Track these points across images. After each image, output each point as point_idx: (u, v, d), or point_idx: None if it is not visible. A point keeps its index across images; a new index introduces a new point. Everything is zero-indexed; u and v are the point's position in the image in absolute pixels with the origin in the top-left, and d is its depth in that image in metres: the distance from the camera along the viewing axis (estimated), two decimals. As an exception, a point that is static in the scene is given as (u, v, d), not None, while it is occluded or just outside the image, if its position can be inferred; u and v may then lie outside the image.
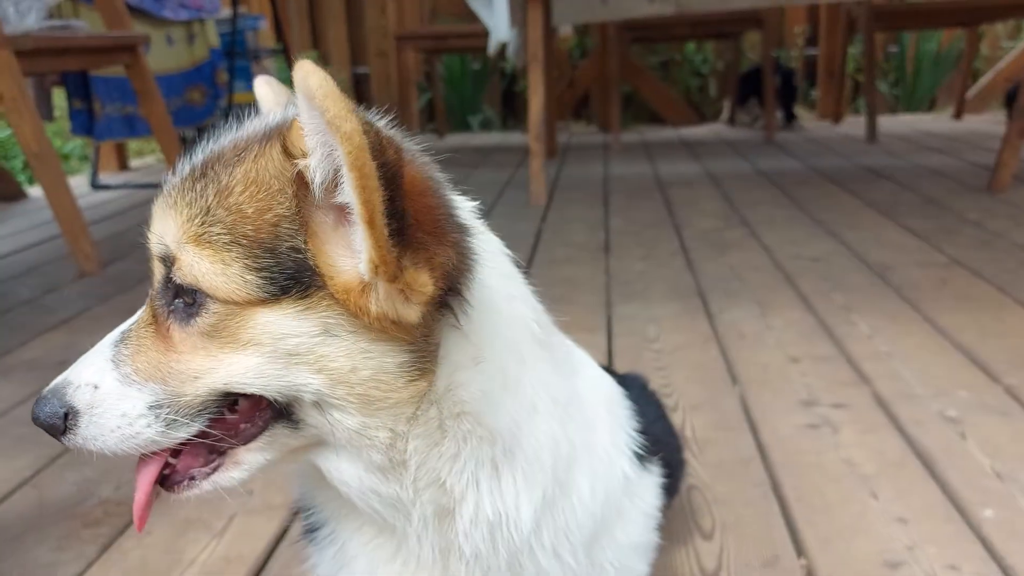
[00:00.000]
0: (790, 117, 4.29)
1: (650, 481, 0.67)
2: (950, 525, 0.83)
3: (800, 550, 0.80)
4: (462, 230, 0.52)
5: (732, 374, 1.23)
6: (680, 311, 1.52)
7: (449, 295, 0.50)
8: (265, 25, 4.34)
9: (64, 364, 1.44)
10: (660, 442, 0.72)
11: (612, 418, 0.65)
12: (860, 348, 1.29)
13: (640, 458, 0.65)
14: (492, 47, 2.56)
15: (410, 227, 0.47)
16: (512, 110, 5.56)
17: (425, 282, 0.48)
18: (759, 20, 3.68)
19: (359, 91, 5.58)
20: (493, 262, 0.56)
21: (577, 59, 5.24)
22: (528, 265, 1.89)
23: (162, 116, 2.62)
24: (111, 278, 1.97)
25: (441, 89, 5.01)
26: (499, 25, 2.48)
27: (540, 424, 0.55)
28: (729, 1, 3.38)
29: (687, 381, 1.21)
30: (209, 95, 3.40)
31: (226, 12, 3.64)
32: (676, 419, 1.09)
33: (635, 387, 0.79)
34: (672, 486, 0.79)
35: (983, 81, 4.68)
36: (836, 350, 1.29)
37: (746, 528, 0.84)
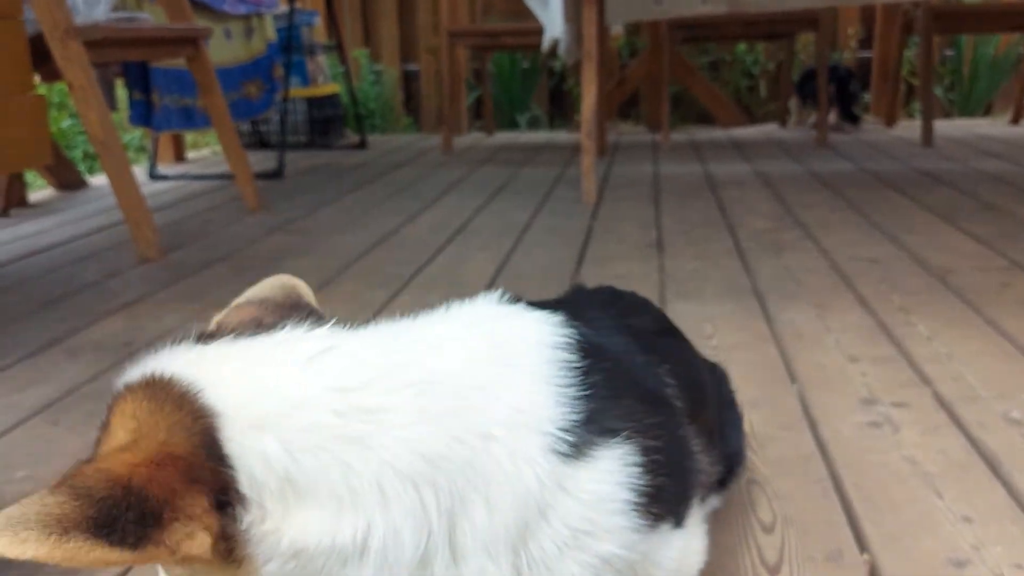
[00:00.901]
0: (854, 119, 4.21)
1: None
2: (1016, 526, 0.81)
3: (863, 546, 0.80)
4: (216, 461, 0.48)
5: (790, 372, 1.22)
6: (735, 310, 1.52)
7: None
8: (319, 21, 4.41)
9: (128, 346, 1.50)
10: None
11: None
12: (920, 350, 1.27)
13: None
14: (546, 43, 2.58)
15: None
16: (560, 109, 5.56)
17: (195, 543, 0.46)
18: (813, 21, 3.63)
19: (408, 88, 5.64)
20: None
21: (626, 58, 5.23)
22: (579, 262, 1.90)
23: (222, 109, 2.68)
24: (171, 264, 2.02)
25: (490, 87, 5.03)
26: (554, 21, 2.49)
27: None
28: (783, 1, 3.35)
29: (744, 379, 1.21)
30: (266, 89, 3.47)
31: (283, 8, 3.71)
32: (734, 415, 1.09)
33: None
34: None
35: (1044, 86, 4.55)
36: (895, 351, 1.28)
37: (808, 523, 0.84)
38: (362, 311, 1.59)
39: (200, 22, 3.09)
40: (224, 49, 3.36)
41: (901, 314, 1.44)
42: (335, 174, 3.42)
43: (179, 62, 2.80)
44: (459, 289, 1.71)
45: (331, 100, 4.60)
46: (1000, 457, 0.94)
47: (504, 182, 3.08)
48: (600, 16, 3.01)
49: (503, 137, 4.74)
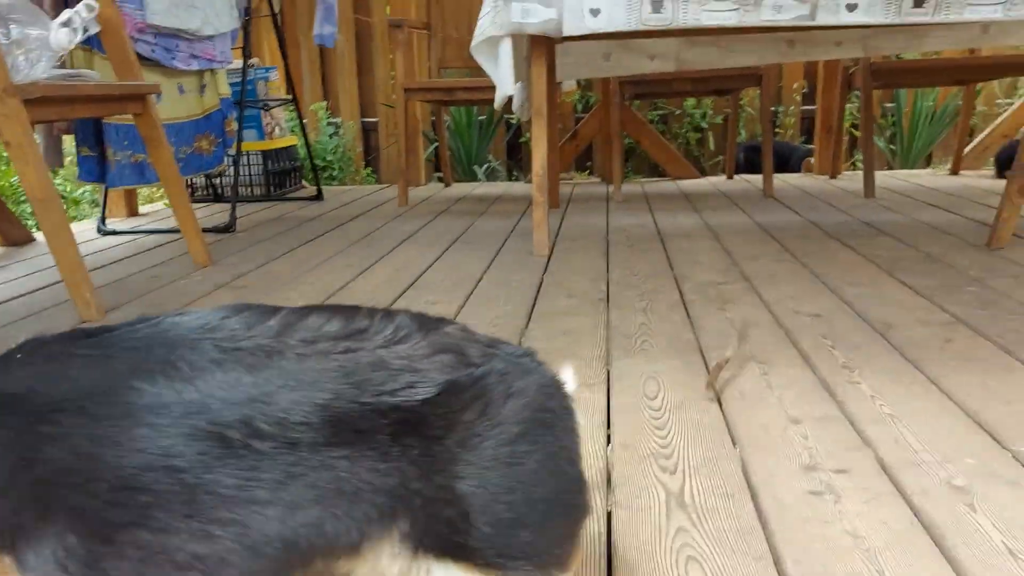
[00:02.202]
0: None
1: None
2: (958, 600, 0.80)
3: (803, 625, 0.78)
4: None
5: (732, 435, 1.21)
6: (680, 367, 1.51)
7: None
8: (276, 76, 4.41)
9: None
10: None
11: None
12: (862, 410, 1.27)
13: None
14: (499, 101, 2.60)
15: None
16: (517, 161, 5.62)
17: None
18: (758, 77, 3.73)
19: (367, 140, 5.66)
20: None
21: (581, 112, 5.32)
22: (528, 317, 1.89)
23: (169, 164, 2.65)
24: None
25: (447, 140, 5.06)
26: (504, 79, 2.52)
27: None
28: (728, 58, 3.44)
29: (687, 442, 1.19)
30: (218, 143, 3.44)
31: (238, 63, 3.71)
32: (675, 483, 1.07)
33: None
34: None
35: (980, 138, 4.73)
36: (838, 411, 1.28)
37: (748, 600, 0.82)
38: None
39: (152, 78, 3.07)
40: (178, 104, 3.34)
41: (844, 371, 1.45)
42: (289, 227, 3.39)
43: (131, 118, 2.77)
44: None
45: (288, 153, 4.59)
46: (944, 529, 0.93)
47: (459, 234, 3.08)
48: (551, 74, 3.06)
49: (460, 188, 4.76)
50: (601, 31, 2.47)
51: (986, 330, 1.64)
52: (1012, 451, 1.11)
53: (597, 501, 1.04)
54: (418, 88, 3.85)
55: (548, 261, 2.52)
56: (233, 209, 3.34)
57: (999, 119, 4.69)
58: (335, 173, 5.37)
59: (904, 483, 1.04)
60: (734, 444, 1.18)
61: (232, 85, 4.22)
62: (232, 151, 3.49)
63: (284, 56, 4.02)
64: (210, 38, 3.26)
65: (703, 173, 5.13)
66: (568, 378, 0.67)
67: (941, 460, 1.10)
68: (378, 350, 0.60)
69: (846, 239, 2.65)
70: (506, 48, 2.49)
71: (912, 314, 1.78)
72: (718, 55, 3.45)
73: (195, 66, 3.29)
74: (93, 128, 3.06)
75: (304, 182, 4.86)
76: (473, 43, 2.53)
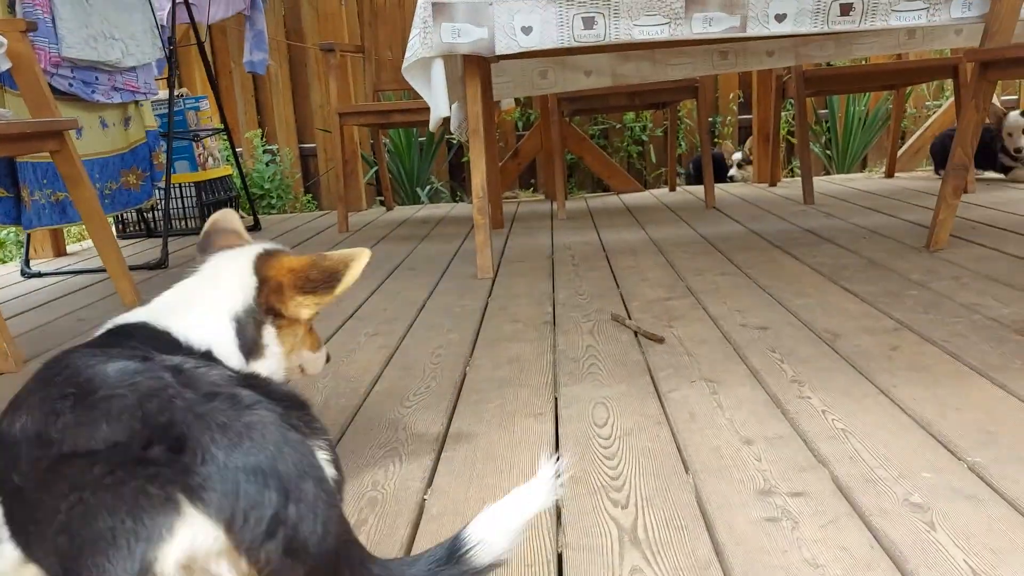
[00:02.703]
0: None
1: None
2: (924, 631, 0.76)
3: (767, 671, 0.73)
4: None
5: (684, 461, 1.17)
6: (628, 391, 1.46)
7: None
8: (207, 106, 4.30)
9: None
10: None
11: None
12: (814, 426, 1.24)
13: None
14: (434, 123, 2.54)
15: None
16: (460, 181, 5.57)
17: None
18: (694, 89, 3.75)
19: (306, 166, 5.56)
20: None
21: (522, 130, 5.30)
22: (473, 345, 1.83)
23: (90, 201, 2.53)
24: (29, 375, 1.84)
25: (388, 163, 4.99)
26: (438, 101, 2.47)
27: None
28: (663, 71, 3.45)
29: (638, 471, 1.14)
30: (146, 177, 3.31)
31: (164, 93, 3.59)
32: (627, 517, 1.02)
33: None
34: None
35: (912, 140, 4.84)
36: (790, 429, 1.24)
37: (707, 647, 0.77)
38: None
39: (72, 113, 2.94)
40: (101, 139, 3.21)
41: (794, 386, 1.42)
42: (223, 261, 3.27)
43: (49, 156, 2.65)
44: (343, 385, 1.61)
45: (223, 183, 4.46)
46: (905, 551, 0.89)
47: (401, 259, 3.01)
48: (487, 93, 3.02)
49: (403, 212, 4.69)
50: (533, 49, 2.44)
51: (931, 335, 1.63)
52: (968, 462, 1.09)
53: (547, 542, 0.98)
54: (353, 112, 3.78)
55: (493, 284, 2.46)
56: (165, 244, 3.22)
57: (929, 121, 4.81)
58: (273, 201, 5.26)
59: (862, 503, 1.00)
60: (687, 470, 1.14)
61: (160, 116, 4.10)
62: (162, 184, 3.36)
63: (213, 85, 3.91)
64: (132, 69, 3.14)
65: (645, 186, 5.15)
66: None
67: (898, 476, 1.06)
68: None
69: (789, 248, 2.65)
70: (438, 69, 2.44)
71: (858, 322, 1.76)
72: (653, 69, 3.46)
73: (117, 99, 3.17)
74: (7, 168, 2.91)
75: (242, 212, 4.73)
76: (404, 65, 2.48)
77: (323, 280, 1.01)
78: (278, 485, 0.63)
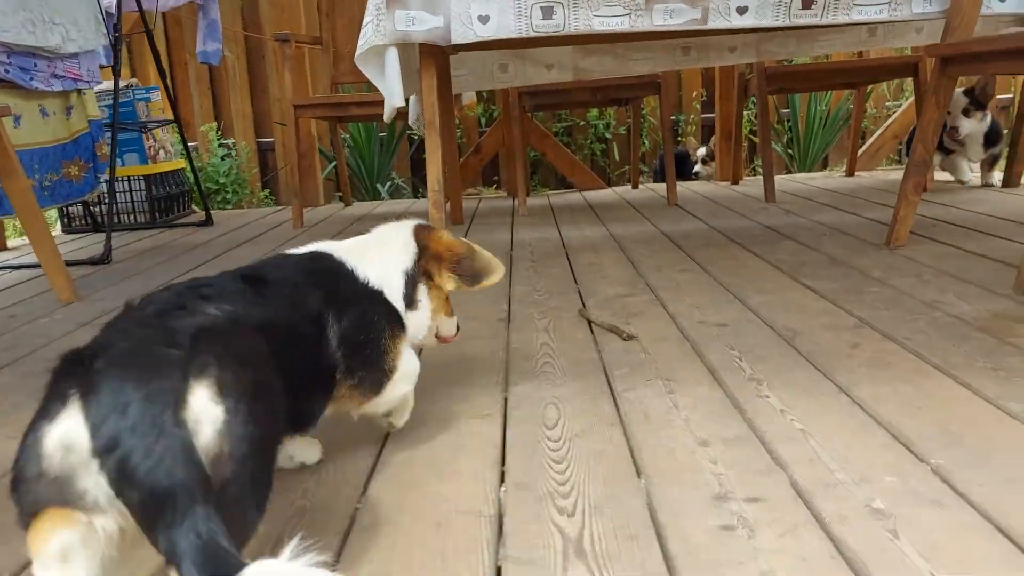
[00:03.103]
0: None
1: None
2: (887, 650, 0.70)
3: None
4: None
5: (637, 464, 1.10)
6: (582, 390, 1.40)
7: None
8: (159, 97, 4.16)
9: None
10: None
11: None
12: (773, 427, 1.18)
13: None
14: (387, 113, 2.46)
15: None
16: (422, 177, 5.48)
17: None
18: (657, 85, 3.71)
19: (264, 161, 5.43)
20: None
21: (484, 127, 5.23)
22: (423, 343, 1.74)
23: (24, 193, 2.41)
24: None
25: (347, 158, 4.89)
26: (392, 90, 2.38)
27: None
28: (625, 66, 3.40)
29: (588, 476, 1.07)
30: (89, 169, 3.17)
31: (110, 83, 3.45)
32: (573, 527, 0.95)
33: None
34: None
35: (872, 140, 4.85)
36: (748, 430, 1.18)
37: (654, 671, 0.70)
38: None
39: (9, 101, 2.81)
40: (41, 128, 3.07)
41: (752, 384, 1.36)
42: (171, 255, 3.15)
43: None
44: None
45: (175, 177, 4.32)
46: (867, 561, 0.83)
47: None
48: (445, 85, 2.94)
49: (361, 207, 4.58)
50: (490, 39, 2.36)
51: (892, 332, 1.59)
52: (931, 464, 1.04)
53: (486, 555, 0.90)
54: (308, 104, 3.67)
55: (447, 280, 2.38)
56: (108, 239, 3.09)
57: (889, 121, 4.83)
58: (229, 196, 5.12)
59: (821, 510, 0.94)
60: (639, 474, 1.07)
61: (108, 107, 3.95)
62: (106, 177, 3.22)
63: (162, 75, 3.78)
64: (74, 56, 3.01)
65: (609, 184, 5.10)
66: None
67: (859, 480, 1.01)
68: None
69: (749, 245, 2.61)
70: (392, 58, 2.36)
71: (817, 319, 1.72)
72: (615, 63, 3.41)
73: (58, 86, 3.03)
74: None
75: (195, 207, 4.59)
76: (357, 53, 2.39)
77: (469, 274, 1.26)
78: (136, 413, 0.69)
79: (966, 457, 1.05)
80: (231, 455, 0.72)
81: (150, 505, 0.67)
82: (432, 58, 2.48)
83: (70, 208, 4.11)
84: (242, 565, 0.64)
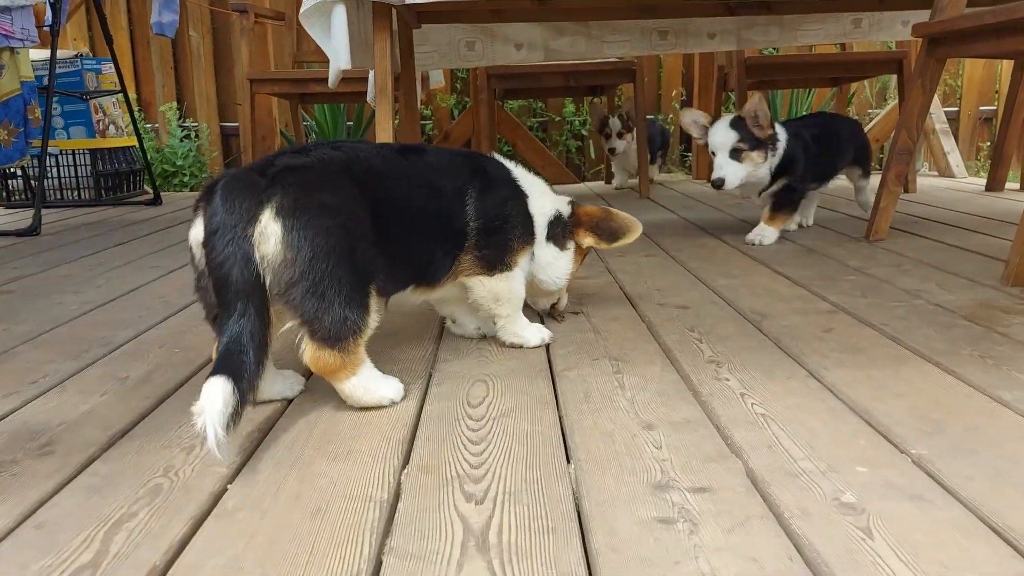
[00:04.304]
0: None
1: None
2: None
3: None
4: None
5: (568, 447, 0.93)
6: (517, 369, 1.22)
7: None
8: (112, 69, 3.94)
9: None
10: None
11: None
12: (730, 410, 1.02)
13: None
14: (333, 77, 2.27)
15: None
16: (389, 167, 5.30)
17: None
18: (632, 72, 3.56)
19: (227, 145, 5.23)
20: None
21: (457, 117, 5.06)
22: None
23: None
24: None
25: (306, 140, 4.68)
26: (339, 51, 2.20)
27: None
28: (598, 49, 3.25)
29: (507, 459, 0.90)
30: (19, 134, 2.96)
31: (66, 52, 3.24)
32: (480, 516, 0.78)
33: None
34: None
35: (853, 143, 4.74)
36: (701, 413, 1.01)
37: None
38: (30, 388, 1.18)
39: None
40: (-31, 88, 2.86)
41: (711, 366, 1.19)
42: (105, 230, 2.94)
43: None
44: (178, 355, 1.33)
45: (125, 154, 4.10)
46: (832, 562, 0.67)
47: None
48: (410, 62, 2.77)
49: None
50: None
51: (869, 318, 1.43)
52: (912, 455, 0.87)
53: (365, 547, 0.73)
54: (265, 79, 3.48)
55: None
56: (38, 210, 2.87)
57: (871, 124, 4.72)
58: (187, 179, 4.90)
59: (780, 501, 0.78)
60: (568, 459, 0.90)
61: (57, 76, 3.73)
62: (34, 144, 3.01)
63: (108, 40, 3.57)
64: (6, 11, 2.80)
65: (583, 180, 4.95)
66: None
67: (826, 469, 0.84)
68: None
69: (721, 234, 2.45)
70: (339, 16, 2.18)
71: (789, 304, 1.56)
72: (588, 45, 3.25)
73: (-11, 43, 2.81)
74: None
75: (147, 187, 4.37)
76: (303, 9, 2.21)
77: (607, 232, 1.38)
78: (219, 222, 0.93)
79: (950, 447, 0.89)
80: (293, 262, 0.93)
81: (217, 294, 0.93)
82: (386, 19, 2.31)
83: (10, 182, 3.88)
84: (242, 364, 0.89)
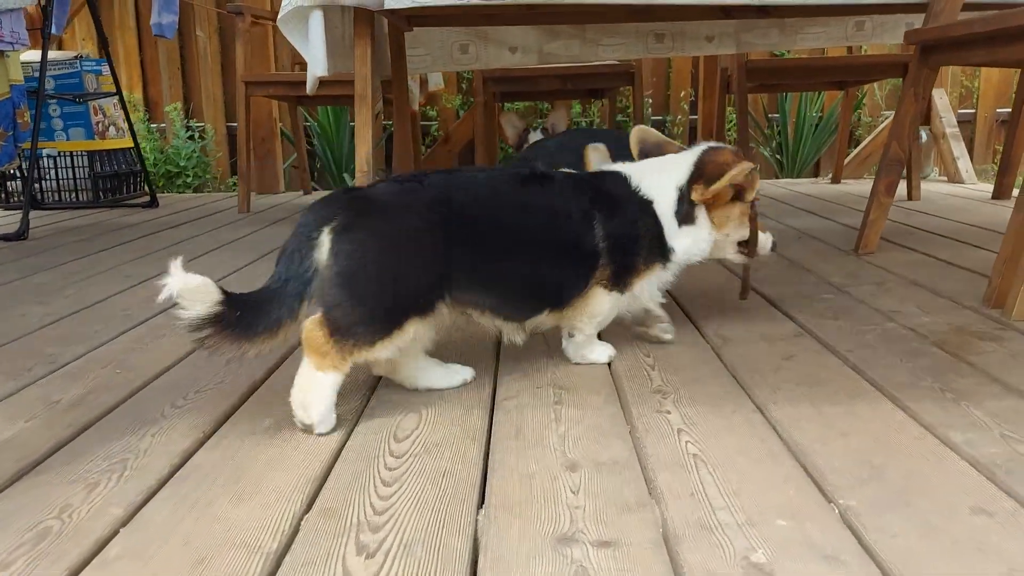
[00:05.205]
0: None
1: None
2: None
3: None
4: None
5: (484, 491, 0.89)
6: (457, 396, 1.18)
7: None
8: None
9: None
10: None
11: None
12: (662, 450, 0.97)
13: None
14: (310, 83, 2.24)
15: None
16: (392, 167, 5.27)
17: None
18: (630, 75, 3.50)
19: (233, 146, 5.22)
20: None
21: (462, 118, 5.02)
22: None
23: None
24: None
25: (316, 145, 4.68)
26: (316, 59, 2.17)
27: None
28: (595, 52, 3.19)
29: (415, 504, 0.86)
30: (8, 137, 2.96)
31: (63, 53, 3.25)
32: (367, 570, 0.74)
33: None
34: None
35: (860, 147, 4.64)
36: (630, 452, 0.97)
37: None
38: (-43, 414, 1.16)
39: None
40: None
41: (656, 397, 1.14)
42: (96, 234, 2.93)
43: None
44: (117, 377, 1.29)
45: (124, 156, 4.11)
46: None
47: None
48: (401, 65, 2.73)
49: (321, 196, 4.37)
50: (430, 4, 2.15)
51: (836, 343, 1.37)
52: (840, 506, 0.82)
53: (240, 606, 0.69)
54: (259, 82, 3.46)
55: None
56: (25, 214, 2.87)
57: (878, 129, 4.62)
58: (190, 180, 4.91)
59: (686, 562, 0.73)
60: (480, 504, 0.86)
61: (54, 78, 3.74)
62: (23, 147, 3.01)
63: (104, 43, 3.57)
64: (-5, 14, 2.80)
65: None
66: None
67: (744, 522, 0.79)
68: None
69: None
70: (316, 22, 2.14)
71: (754, 327, 1.50)
72: (583, 49, 3.20)
73: (-22, 47, 2.81)
74: None
75: (146, 188, 4.37)
76: (281, 14, 2.17)
77: (709, 176, 1.27)
78: (294, 237, 1.09)
79: (884, 497, 0.84)
80: (334, 268, 1.05)
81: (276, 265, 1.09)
82: (367, 25, 2.27)
83: (8, 184, 3.90)
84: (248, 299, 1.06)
